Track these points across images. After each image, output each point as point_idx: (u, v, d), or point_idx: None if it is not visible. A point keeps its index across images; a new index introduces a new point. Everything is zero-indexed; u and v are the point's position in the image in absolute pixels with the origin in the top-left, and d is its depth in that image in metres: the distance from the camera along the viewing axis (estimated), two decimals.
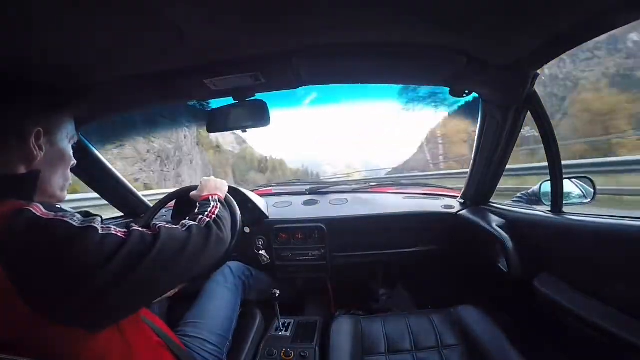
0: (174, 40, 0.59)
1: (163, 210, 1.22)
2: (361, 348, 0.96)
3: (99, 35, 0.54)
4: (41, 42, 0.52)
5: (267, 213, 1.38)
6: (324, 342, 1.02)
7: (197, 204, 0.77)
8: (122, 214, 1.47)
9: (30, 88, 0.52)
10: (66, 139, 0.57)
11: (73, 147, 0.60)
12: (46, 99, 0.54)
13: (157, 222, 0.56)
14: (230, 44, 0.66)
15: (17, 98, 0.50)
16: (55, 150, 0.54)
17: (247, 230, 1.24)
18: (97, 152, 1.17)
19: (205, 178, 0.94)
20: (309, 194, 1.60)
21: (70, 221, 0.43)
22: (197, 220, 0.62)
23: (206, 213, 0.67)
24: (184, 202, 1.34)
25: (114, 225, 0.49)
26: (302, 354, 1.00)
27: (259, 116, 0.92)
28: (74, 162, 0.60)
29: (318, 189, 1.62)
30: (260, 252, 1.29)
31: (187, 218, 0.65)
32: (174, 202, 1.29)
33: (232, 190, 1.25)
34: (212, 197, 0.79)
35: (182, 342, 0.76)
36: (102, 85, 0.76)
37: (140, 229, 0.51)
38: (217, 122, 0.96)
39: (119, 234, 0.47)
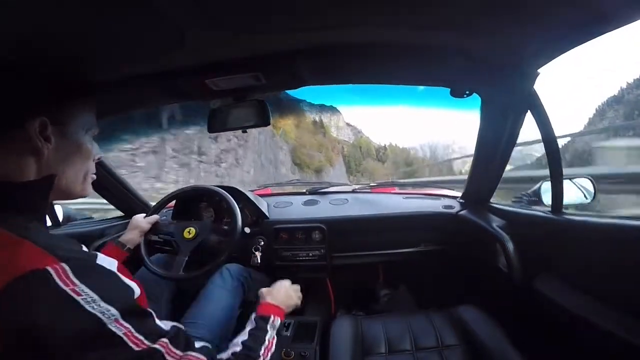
0: (175, 41, 0.59)
1: (163, 210, 1.22)
2: (361, 348, 0.96)
3: (99, 34, 0.54)
4: (43, 35, 0.51)
5: (267, 213, 1.38)
6: (324, 342, 1.02)
7: (253, 319, 0.70)
8: (122, 213, 1.47)
9: (33, 77, 0.49)
10: (82, 130, 0.53)
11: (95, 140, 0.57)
12: (52, 88, 0.50)
13: (192, 351, 0.48)
14: (230, 44, 0.66)
15: (17, 87, 0.46)
16: (69, 143, 0.50)
17: (247, 230, 1.24)
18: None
19: (280, 283, 0.88)
20: (309, 194, 1.60)
21: (83, 303, 0.38)
22: None
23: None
24: (185, 202, 1.35)
25: (135, 328, 0.42)
26: (302, 354, 1.00)
27: (259, 116, 0.92)
28: (99, 155, 0.57)
29: (318, 189, 1.62)
30: (256, 253, 1.28)
31: (232, 352, 0.58)
32: (174, 202, 1.30)
33: (232, 191, 1.25)
34: (273, 322, 0.70)
35: None
36: (102, 85, 0.75)
37: (166, 347, 0.44)
38: (217, 122, 0.96)
39: (132, 343, 0.41)
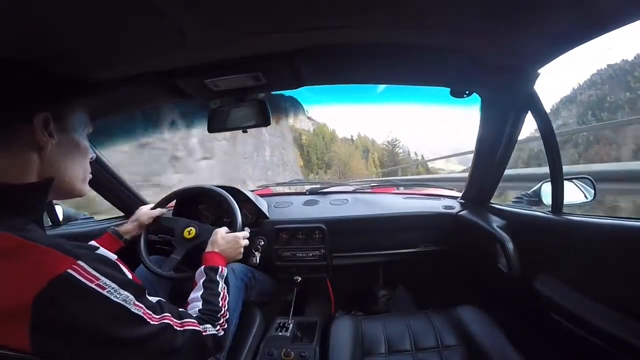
0: (175, 41, 0.59)
1: (163, 210, 1.22)
2: (361, 348, 0.97)
3: (100, 34, 0.54)
4: (45, 33, 0.51)
5: (267, 213, 1.38)
6: (324, 342, 1.02)
7: (203, 270, 0.74)
8: (122, 213, 1.47)
9: (38, 72, 0.50)
10: (80, 128, 0.54)
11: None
12: (55, 84, 0.52)
13: (186, 317, 0.56)
14: (230, 44, 0.66)
15: (24, 81, 0.47)
16: (69, 139, 0.52)
17: (247, 230, 1.24)
18: (97, 151, 1.17)
19: (218, 233, 0.88)
20: (310, 194, 1.60)
21: (108, 295, 0.43)
22: (216, 327, 0.62)
23: (220, 321, 0.64)
24: (185, 202, 1.35)
25: (146, 306, 0.48)
26: (302, 354, 1.00)
27: (259, 116, 0.92)
28: (92, 155, 0.58)
29: (318, 189, 1.62)
30: (255, 253, 1.28)
31: (199, 310, 0.64)
32: (174, 202, 1.30)
33: (232, 191, 1.25)
34: (221, 272, 0.75)
35: None
36: (102, 84, 0.76)
37: (170, 320, 0.51)
38: (217, 121, 0.96)
39: (149, 319, 0.47)
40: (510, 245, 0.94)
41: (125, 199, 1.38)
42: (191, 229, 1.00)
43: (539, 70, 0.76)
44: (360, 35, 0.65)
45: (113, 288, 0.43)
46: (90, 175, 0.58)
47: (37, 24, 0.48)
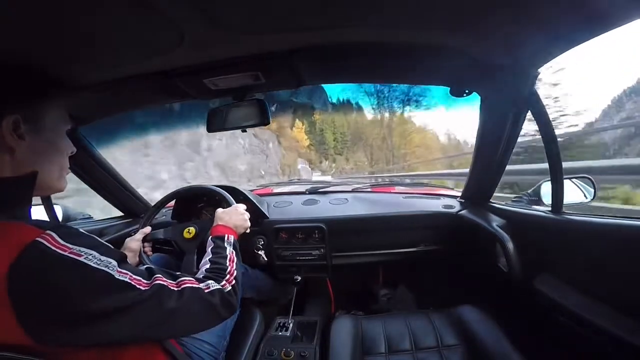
0: (175, 40, 0.59)
1: (163, 210, 1.22)
2: (361, 348, 0.96)
3: (99, 33, 0.54)
4: (38, 35, 0.51)
5: (266, 213, 1.38)
6: (324, 342, 1.02)
7: (211, 240, 0.76)
8: (122, 213, 1.47)
9: (7, 74, 0.49)
10: (56, 127, 0.54)
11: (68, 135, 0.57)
12: (26, 86, 0.51)
13: (182, 277, 0.55)
14: (230, 44, 0.66)
15: None
16: (43, 139, 0.51)
17: (247, 230, 1.24)
18: (97, 152, 1.17)
19: (218, 210, 0.88)
20: (309, 193, 1.59)
21: (86, 261, 0.42)
22: (221, 283, 0.61)
23: (226, 277, 0.64)
24: (184, 202, 1.35)
25: (132, 272, 0.47)
26: (302, 354, 1.00)
27: (259, 115, 0.92)
28: (72, 149, 0.58)
29: (318, 188, 1.62)
30: (259, 252, 1.28)
31: (205, 269, 0.65)
32: (173, 201, 1.29)
33: (232, 191, 1.25)
34: (228, 239, 0.77)
35: (178, 342, 0.75)
36: (102, 84, 0.76)
37: (163, 281, 0.50)
38: (216, 121, 0.96)
39: (138, 285, 0.46)
40: (510, 245, 0.94)
41: (124, 198, 1.38)
42: (190, 229, 1.00)
43: (539, 70, 0.76)
44: (360, 35, 0.65)
45: (91, 254, 0.43)
46: (69, 171, 0.58)
47: (36, 25, 0.48)
